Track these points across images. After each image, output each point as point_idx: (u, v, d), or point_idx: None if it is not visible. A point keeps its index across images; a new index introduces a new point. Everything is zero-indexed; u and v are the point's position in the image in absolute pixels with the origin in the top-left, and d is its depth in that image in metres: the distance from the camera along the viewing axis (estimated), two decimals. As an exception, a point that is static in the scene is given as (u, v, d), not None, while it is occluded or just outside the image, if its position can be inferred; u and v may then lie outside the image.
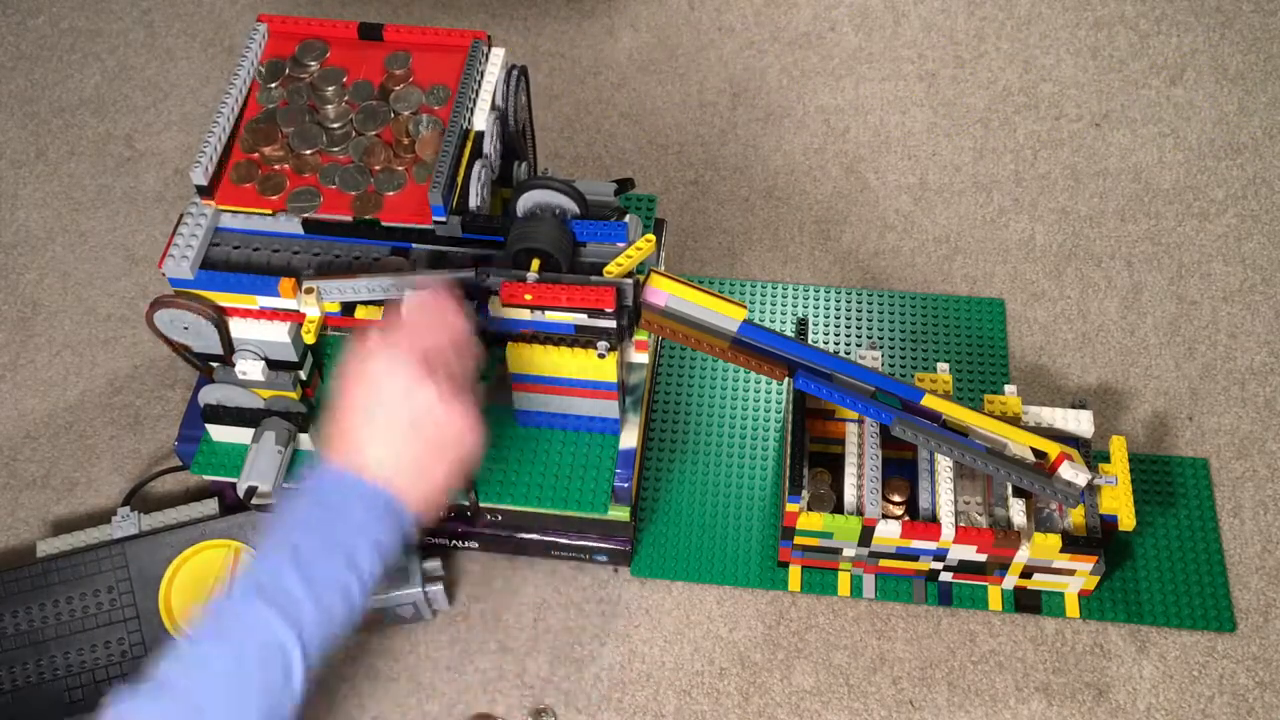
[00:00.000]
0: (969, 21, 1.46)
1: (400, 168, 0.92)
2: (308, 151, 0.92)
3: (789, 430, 1.02)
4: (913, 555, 1.02)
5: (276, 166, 0.93)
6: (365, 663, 1.03)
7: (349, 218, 0.91)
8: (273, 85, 0.96)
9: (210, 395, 0.99)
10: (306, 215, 0.91)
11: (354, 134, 0.94)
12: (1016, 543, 0.98)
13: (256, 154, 0.93)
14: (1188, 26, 1.44)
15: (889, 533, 0.99)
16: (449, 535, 1.07)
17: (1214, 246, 1.26)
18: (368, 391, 0.80)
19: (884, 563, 1.04)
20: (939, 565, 1.03)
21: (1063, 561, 1.00)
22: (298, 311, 0.92)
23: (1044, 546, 0.98)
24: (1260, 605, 1.05)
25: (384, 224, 0.91)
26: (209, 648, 0.72)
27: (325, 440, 0.81)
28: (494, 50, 0.98)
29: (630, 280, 0.90)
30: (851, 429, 1.04)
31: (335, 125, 0.94)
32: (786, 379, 0.96)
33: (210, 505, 1.06)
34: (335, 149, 0.93)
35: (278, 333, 0.94)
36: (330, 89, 0.96)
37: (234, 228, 0.93)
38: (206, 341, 0.95)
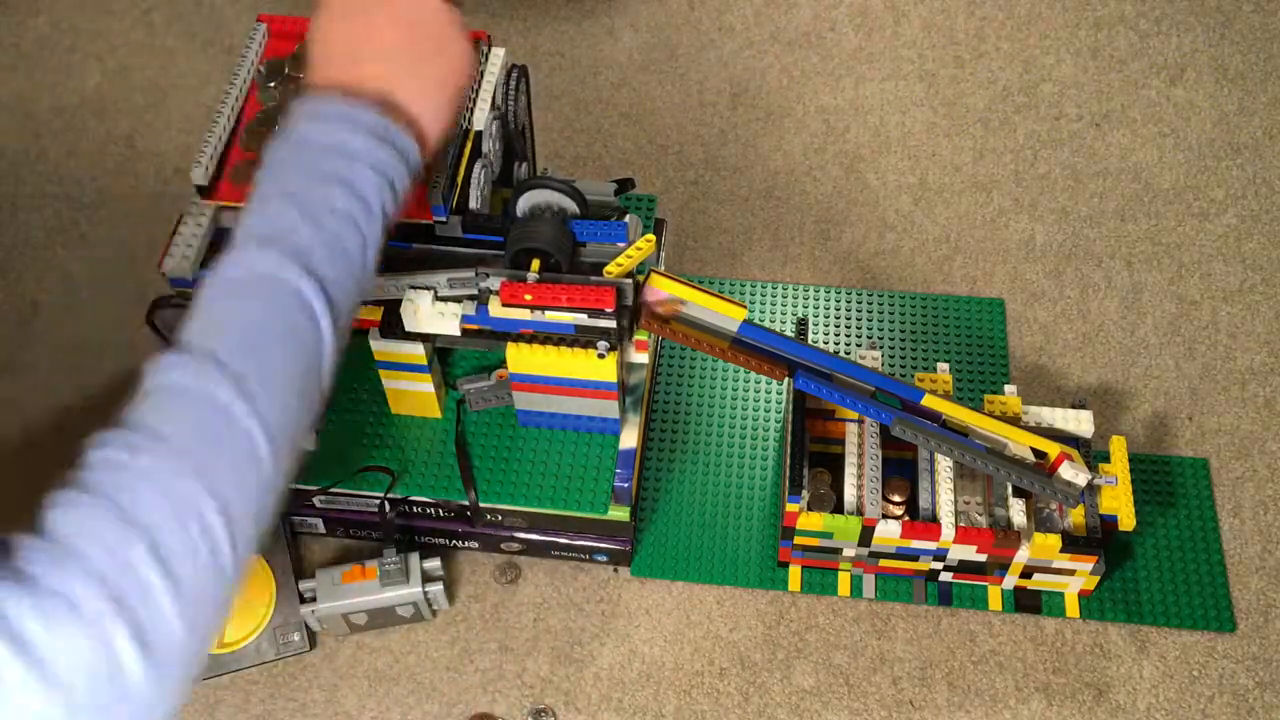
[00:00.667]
0: (969, 21, 1.46)
1: None
2: None
3: (789, 430, 1.02)
4: (913, 555, 1.02)
5: None
6: (365, 663, 1.03)
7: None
8: (272, 84, 0.96)
9: (210, 395, 0.99)
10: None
11: None
12: (1016, 543, 0.98)
13: (255, 154, 0.93)
14: (1188, 26, 1.44)
15: (889, 533, 0.99)
16: (449, 535, 1.07)
17: (1214, 246, 1.26)
18: (384, 11, 0.74)
19: (884, 563, 1.04)
20: (939, 565, 1.03)
21: (1063, 561, 1.00)
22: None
23: (1044, 546, 0.98)
24: (1260, 605, 1.05)
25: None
26: (225, 309, 0.67)
27: (309, 64, 0.74)
28: (494, 50, 0.98)
29: (630, 280, 0.90)
30: (851, 429, 1.04)
31: None
32: (786, 379, 0.96)
33: (210, 505, 1.06)
34: None
35: (278, 333, 0.94)
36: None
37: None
38: (206, 341, 0.95)
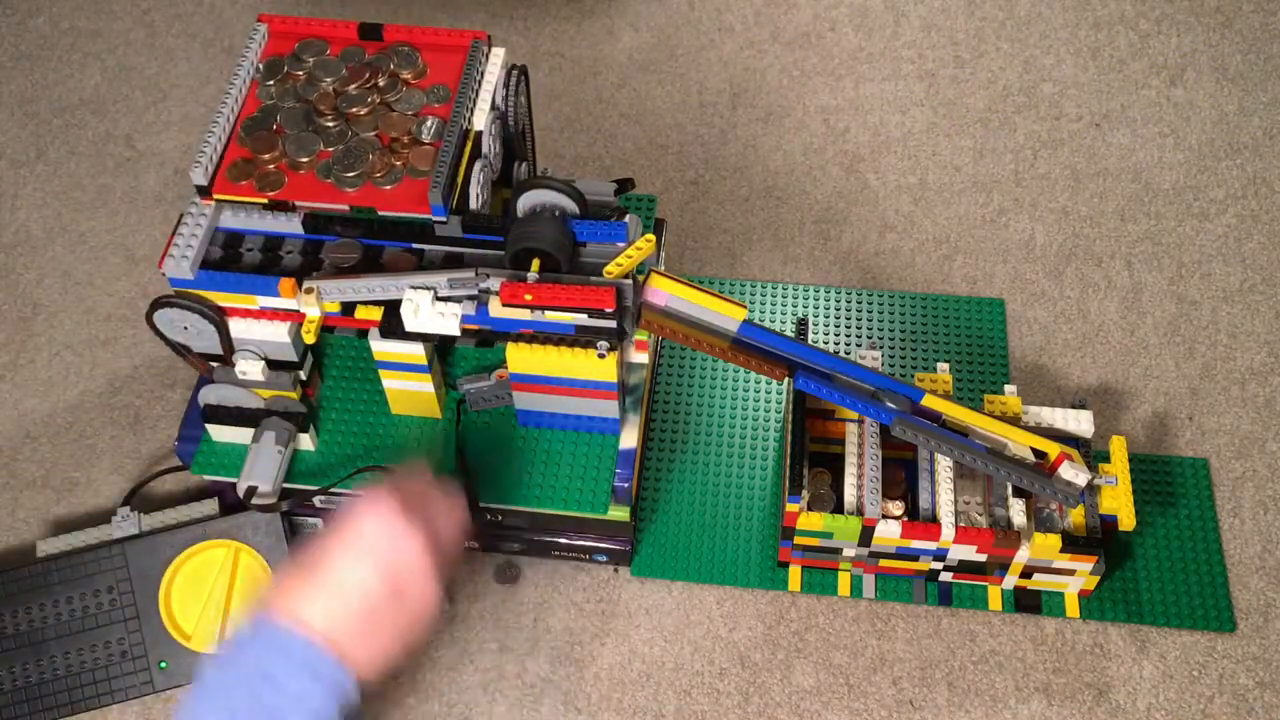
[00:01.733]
0: (969, 21, 1.46)
1: (398, 163, 0.92)
2: (304, 159, 0.92)
3: (789, 430, 1.02)
4: (913, 555, 1.02)
5: (272, 166, 0.92)
6: (365, 663, 1.03)
7: (346, 208, 0.90)
8: (271, 83, 0.96)
9: (210, 395, 0.99)
10: (305, 208, 0.91)
11: (351, 134, 0.94)
12: (1016, 543, 0.98)
13: (252, 152, 0.93)
14: (1188, 26, 1.44)
15: (889, 533, 0.99)
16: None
17: (1214, 246, 1.26)
18: (347, 533, 0.79)
19: (884, 563, 1.04)
20: (939, 565, 1.03)
21: (1063, 561, 1.00)
22: (298, 311, 0.93)
23: (1044, 546, 0.98)
24: (1260, 605, 1.05)
25: (380, 214, 0.90)
26: None
27: (284, 583, 0.78)
28: (494, 50, 0.98)
29: (630, 280, 0.90)
30: (851, 429, 1.04)
31: (332, 125, 0.94)
32: (786, 379, 0.96)
33: (210, 505, 1.06)
34: (332, 148, 0.93)
35: (278, 333, 0.95)
36: (328, 81, 0.96)
37: (234, 227, 0.93)
38: (206, 341, 0.95)
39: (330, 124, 0.93)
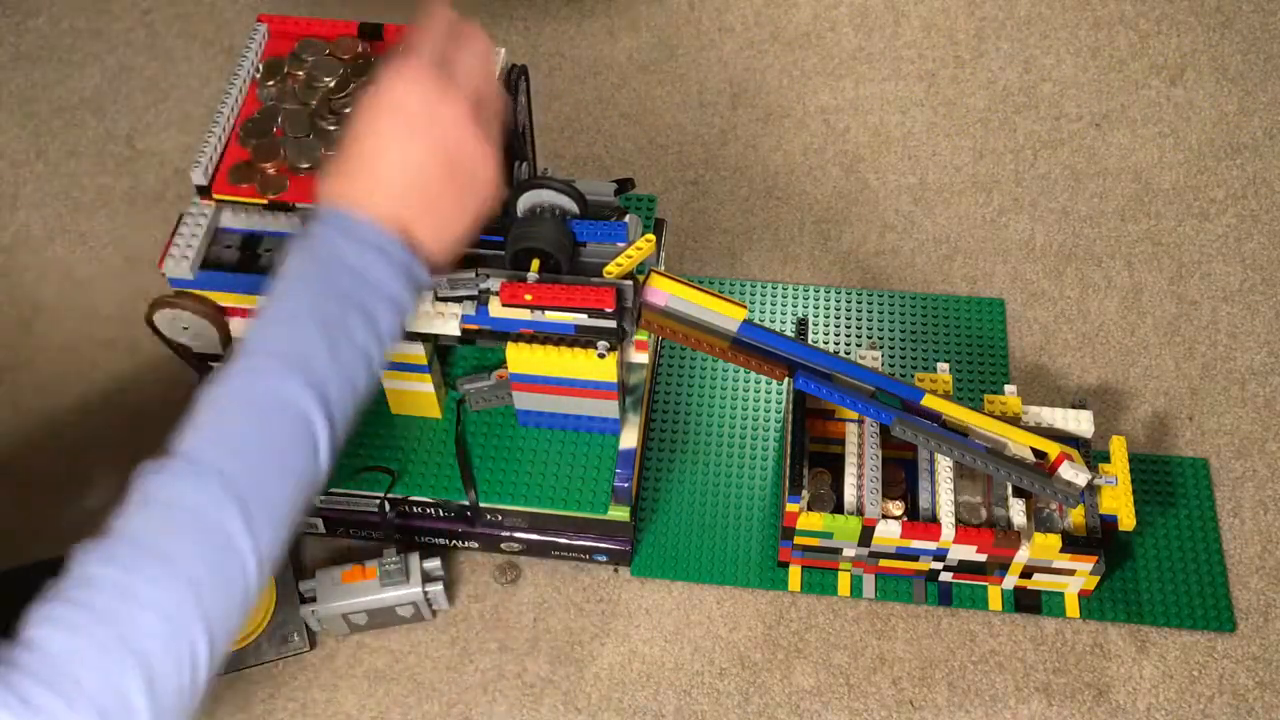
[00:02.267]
0: (969, 21, 1.46)
1: None
2: (305, 165, 0.92)
3: (789, 430, 1.02)
4: (913, 555, 1.02)
5: (274, 171, 0.92)
6: (365, 663, 1.03)
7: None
8: (270, 84, 0.96)
9: (210, 395, 0.99)
10: (306, 208, 0.91)
11: None
12: (1016, 543, 0.98)
13: (251, 153, 0.93)
14: (1188, 26, 1.44)
15: (889, 533, 0.99)
16: (449, 535, 1.07)
17: (1214, 246, 1.26)
18: (385, 112, 0.71)
19: (884, 563, 1.04)
20: (939, 565, 1.03)
21: (1063, 561, 1.00)
22: (298, 311, 0.92)
23: (1044, 546, 0.98)
24: (1260, 605, 1.05)
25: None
26: (239, 426, 0.66)
27: (334, 172, 0.72)
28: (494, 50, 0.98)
29: (630, 280, 0.90)
30: (851, 429, 1.04)
31: (333, 129, 0.94)
32: (786, 379, 0.96)
33: (210, 505, 1.06)
34: (332, 152, 0.93)
35: (278, 333, 0.94)
36: (328, 81, 0.96)
37: (234, 228, 0.93)
38: (207, 341, 0.95)
39: (331, 126, 0.94)
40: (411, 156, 0.71)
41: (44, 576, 1.01)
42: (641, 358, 1.04)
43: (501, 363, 1.00)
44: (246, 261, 0.92)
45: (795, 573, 1.06)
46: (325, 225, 0.70)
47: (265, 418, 0.66)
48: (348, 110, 0.94)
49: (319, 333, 0.67)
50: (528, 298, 0.88)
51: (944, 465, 1.00)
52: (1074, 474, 0.95)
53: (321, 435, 0.67)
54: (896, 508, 1.04)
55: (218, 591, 0.63)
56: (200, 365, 0.98)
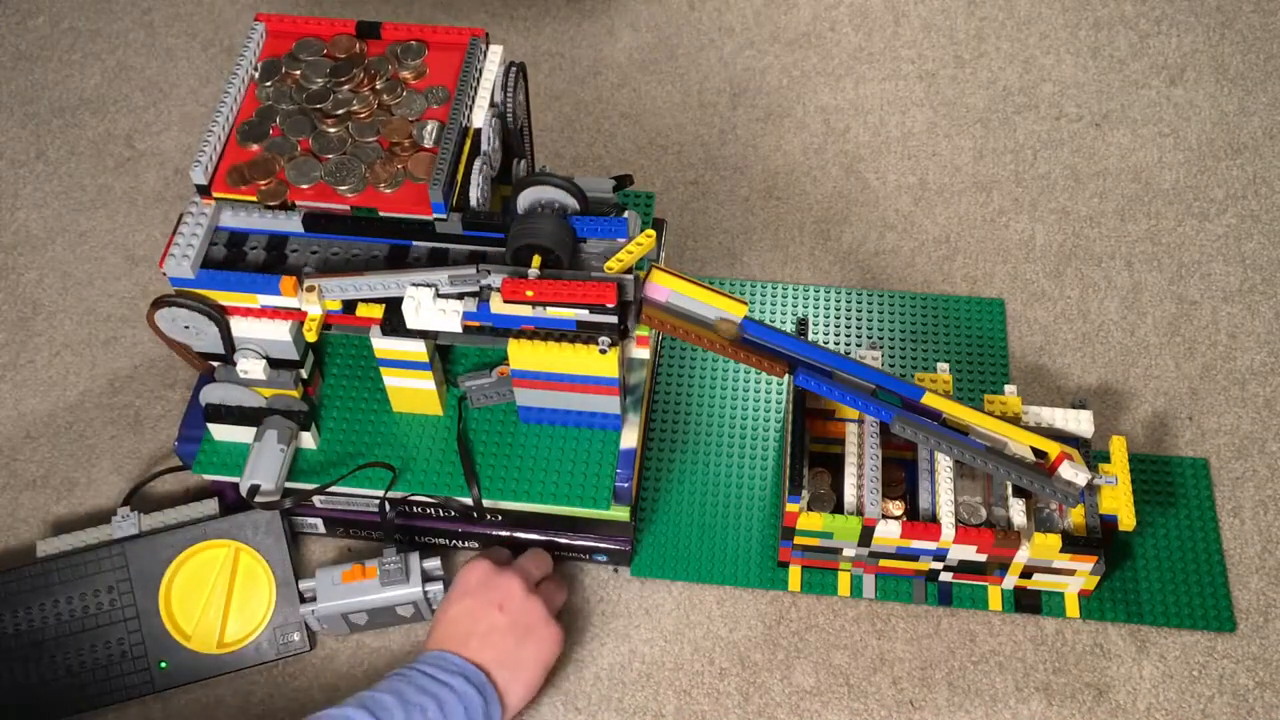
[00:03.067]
0: (969, 21, 1.46)
1: (399, 165, 0.92)
2: (305, 185, 0.92)
3: (789, 430, 1.02)
4: (913, 555, 1.02)
5: (273, 183, 0.92)
6: (365, 663, 1.03)
7: (347, 208, 0.90)
8: (269, 84, 0.96)
9: (211, 394, 0.99)
10: (305, 207, 0.91)
11: (351, 140, 0.93)
12: (1016, 543, 0.98)
13: (250, 152, 0.93)
14: (1188, 26, 1.45)
15: (889, 533, 0.98)
16: (449, 535, 1.07)
17: (1214, 246, 1.26)
18: (460, 594, 0.97)
19: (884, 563, 1.04)
20: (939, 565, 1.03)
21: (1063, 561, 1.00)
22: (299, 310, 0.93)
23: (1044, 546, 0.98)
24: (1260, 605, 1.05)
25: (382, 214, 0.90)
26: None
27: (431, 634, 0.97)
28: (492, 48, 0.98)
29: (631, 275, 0.90)
30: (851, 429, 1.04)
31: (332, 131, 0.94)
32: (787, 376, 0.96)
33: (210, 505, 1.06)
34: (331, 155, 0.93)
35: (279, 331, 0.94)
36: (326, 83, 0.96)
37: (235, 227, 0.93)
38: (208, 341, 0.95)
39: (330, 129, 0.94)
40: (481, 616, 0.96)
41: (44, 576, 1.01)
42: (643, 353, 1.04)
43: (503, 359, 1.00)
44: (236, 260, 0.92)
45: (795, 573, 1.06)
46: (421, 661, 0.94)
47: None
48: (341, 111, 0.94)
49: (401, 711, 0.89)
50: (529, 294, 0.88)
51: (944, 465, 1.00)
52: (1074, 474, 0.95)
53: None
54: (897, 507, 1.04)
55: None
56: (201, 364, 0.98)
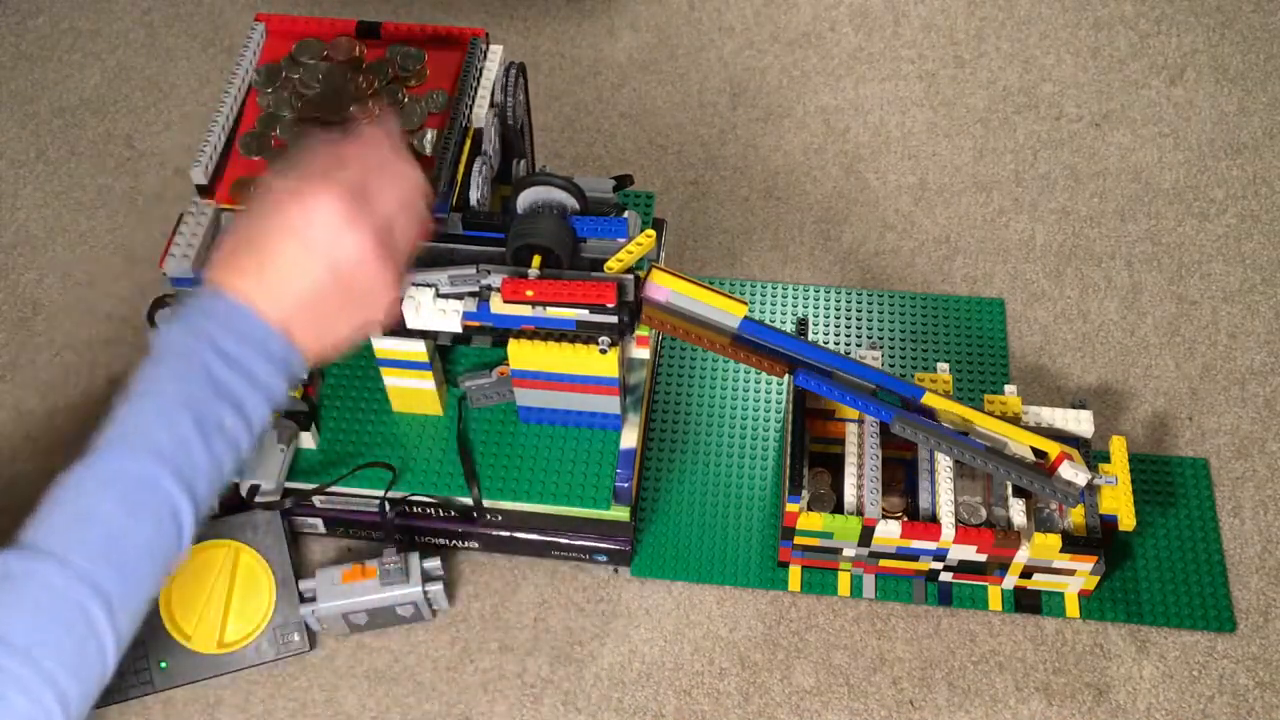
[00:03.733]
0: (969, 21, 1.46)
1: None
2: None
3: (789, 430, 1.02)
4: (913, 555, 1.02)
5: None
6: (365, 663, 1.03)
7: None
8: (269, 90, 0.96)
9: (210, 394, 0.99)
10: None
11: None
12: (1016, 543, 0.98)
13: (255, 162, 0.93)
14: (1188, 26, 1.45)
15: (889, 533, 0.98)
16: (449, 535, 1.07)
17: (1214, 246, 1.26)
18: (293, 219, 0.72)
19: (884, 563, 1.04)
20: (939, 565, 1.02)
21: (1063, 561, 1.00)
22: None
23: (1044, 546, 0.98)
24: (1260, 605, 1.05)
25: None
26: (102, 508, 0.69)
27: (224, 259, 0.73)
28: (492, 47, 0.98)
29: (631, 275, 0.90)
30: (851, 429, 1.04)
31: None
32: (787, 376, 0.96)
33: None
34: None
35: (278, 331, 0.94)
36: (325, 88, 0.96)
37: (234, 226, 0.93)
38: (206, 340, 0.95)
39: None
40: (307, 271, 0.72)
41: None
42: (643, 353, 1.04)
43: (503, 359, 1.00)
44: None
45: (795, 573, 1.06)
46: (207, 313, 0.71)
47: (134, 510, 0.69)
48: (339, 118, 0.94)
49: (191, 423, 0.69)
50: (529, 294, 0.88)
51: (944, 465, 1.00)
52: (1074, 474, 0.95)
53: (186, 521, 0.70)
54: (896, 506, 1.04)
55: (74, 675, 0.66)
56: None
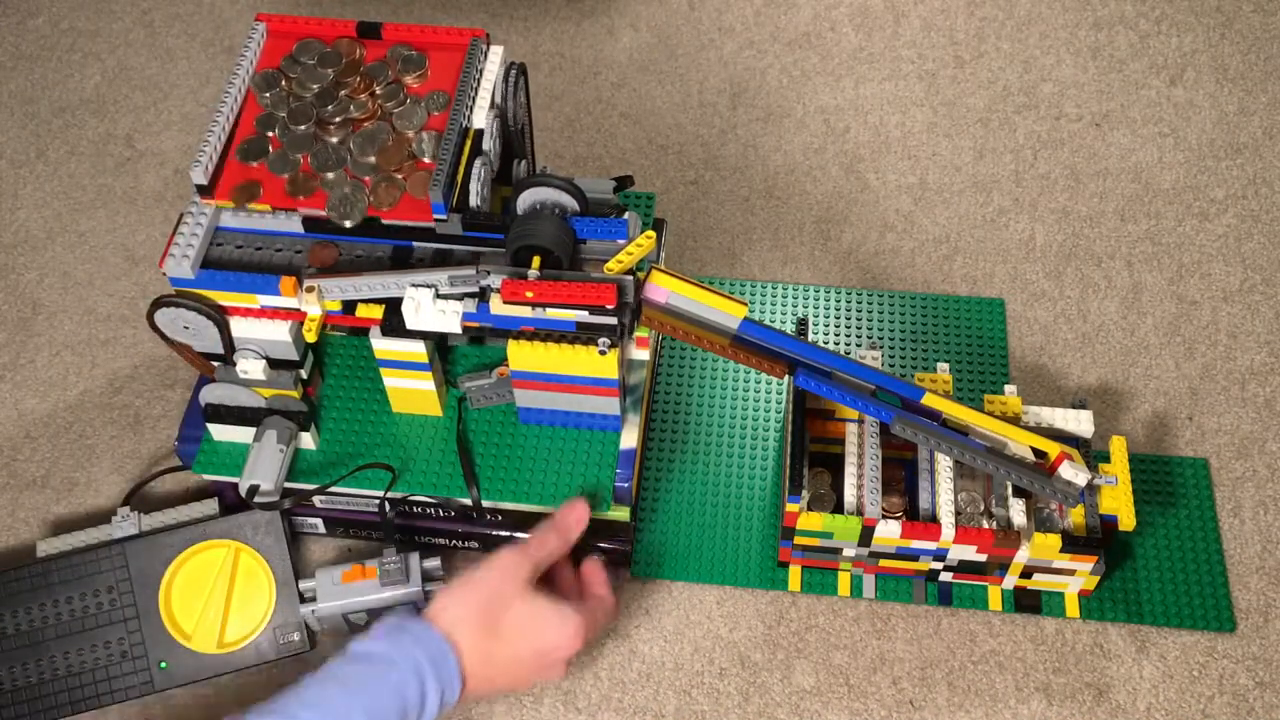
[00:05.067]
0: (969, 21, 1.46)
1: (399, 176, 0.92)
2: (304, 201, 0.92)
3: (789, 430, 1.02)
4: (913, 555, 1.02)
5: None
6: (365, 662, 1.03)
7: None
8: (267, 95, 0.96)
9: (211, 394, 0.99)
10: (308, 214, 0.91)
11: (351, 158, 0.93)
12: (1016, 543, 0.98)
13: (251, 168, 0.93)
14: (1188, 26, 1.45)
15: (889, 533, 0.98)
16: (449, 535, 1.07)
17: (1214, 246, 1.26)
18: (541, 645, 0.91)
19: (884, 563, 1.04)
20: (939, 565, 1.03)
21: (1063, 561, 1.00)
22: (299, 310, 0.93)
23: (1044, 546, 0.98)
24: (1260, 605, 1.05)
25: (385, 222, 0.91)
26: None
27: (466, 615, 0.90)
28: (492, 48, 0.98)
29: (631, 277, 0.90)
30: (851, 429, 1.04)
31: (335, 139, 0.94)
32: (786, 376, 0.96)
33: (210, 505, 1.06)
34: (331, 175, 0.92)
35: (279, 331, 0.95)
36: (323, 89, 0.96)
37: (234, 227, 0.93)
38: (207, 341, 0.95)
39: (332, 139, 0.93)
40: (522, 660, 0.91)
41: (44, 576, 1.01)
42: (642, 354, 1.04)
43: (502, 360, 1.00)
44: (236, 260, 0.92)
45: (795, 573, 1.06)
46: (422, 645, 0.87)
47: None
48: (339, 120, 0.94)
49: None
50: (529, 295, 0.88)
51: (944, 465, 1.00)
52: (1074, 474, 0.95)
53: None
54: (896, 506, 1.04)
55: None
56: (201, 364, 0.98)
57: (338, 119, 0.94)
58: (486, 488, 1.00)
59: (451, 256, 0.93)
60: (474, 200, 0.91)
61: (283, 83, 0.96)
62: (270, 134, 0.94)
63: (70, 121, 1.40)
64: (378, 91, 0.96)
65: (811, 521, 0.99)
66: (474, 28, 0.98)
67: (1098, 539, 0.99)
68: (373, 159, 0.92)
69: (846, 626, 1.04)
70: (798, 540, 1.02)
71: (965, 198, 1.31)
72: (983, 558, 1.00)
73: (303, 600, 1.02)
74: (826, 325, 1.21)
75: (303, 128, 0.93)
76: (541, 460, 1.01)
